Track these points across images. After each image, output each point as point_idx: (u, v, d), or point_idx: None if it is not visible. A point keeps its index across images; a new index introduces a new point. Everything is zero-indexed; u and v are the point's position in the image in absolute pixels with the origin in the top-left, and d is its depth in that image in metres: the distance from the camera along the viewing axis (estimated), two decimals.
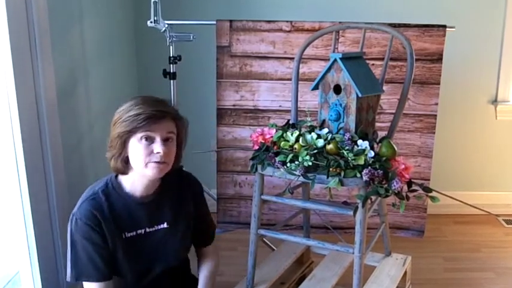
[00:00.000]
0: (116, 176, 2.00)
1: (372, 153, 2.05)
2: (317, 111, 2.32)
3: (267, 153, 2.19)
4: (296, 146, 2.14)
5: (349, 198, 2.90)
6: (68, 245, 1.93)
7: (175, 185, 2.07)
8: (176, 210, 2.06)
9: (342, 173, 2.02)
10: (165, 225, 2.03)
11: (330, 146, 2.09)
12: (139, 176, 1.93)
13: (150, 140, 1.85)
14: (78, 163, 2.81)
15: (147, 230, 2.00)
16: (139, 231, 1.98)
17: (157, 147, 1.85)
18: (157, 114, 1.85)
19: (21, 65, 2.17)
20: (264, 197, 2.31)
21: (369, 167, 1.99)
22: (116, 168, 1.94)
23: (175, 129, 1.93)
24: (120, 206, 1.95)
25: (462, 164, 4.08)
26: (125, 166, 1.92)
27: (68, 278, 1.94)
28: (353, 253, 2.14)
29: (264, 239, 3.05)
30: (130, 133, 1.85)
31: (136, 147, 1.86)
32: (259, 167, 2.22)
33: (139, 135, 1.84)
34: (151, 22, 2.92)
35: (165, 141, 1.87)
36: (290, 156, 2.09)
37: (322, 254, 2.73)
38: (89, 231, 1.89)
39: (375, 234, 2.42)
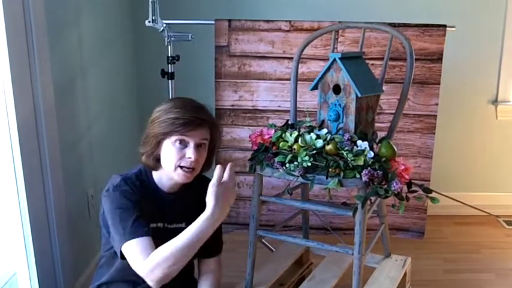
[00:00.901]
0: None
1: (372, 154, 2.05)
2: (316, 111, 2.32)
3: (265, 153, 2.19)
4: (295, 146, 2.14)
5: (349, 199, 2.90)
6: (112, 215, 1.90)
7: (199, 189, 2.09)
8: (197, 214, 2.07)
9: (341, 174, 2.02)
10: (184, 225, 2.04)
11: (329, 147, 2.09)
12: (166, 175, 1.99)
13: (183, 144, 1.91)
14: (76, 163, 2.81)
15: (166, 225, 2.04)
16: (159, 224, 2.01)
17: (190, 152, 1.91)
18: (196, 121, 1.90)
19: (18, 65, 2.17)
20: (262, 197, 2.31)
21: (369, 168, 1.99)
22: (146, 164, 2.00)
23: (210, 136, 1.98)
24: (150, 194, 2.00)
25: (462, 164, 4.08)
26: (155, 164, 1.99)
27: (120, 243, 1.86)
28: (352, 254, 2.14)
29: (263, 240, 3.05)
30: (166, 135, 1.91)
31: (169, 149, 1.92)
32: (258, 167, 2.22)
33: (174, 138, 1.90)
34: (149, 22, 2.92)
35: (198, 147, 1.93)
36: (289, 156, 2.09)
37: (322, 255, 2.73)
38: (132, 194, 1.92)
39: (374, 235, 2.42)
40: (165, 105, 1.96)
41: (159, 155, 1.96)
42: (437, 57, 3.01)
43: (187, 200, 2.06)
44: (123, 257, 1.89)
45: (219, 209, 1.80)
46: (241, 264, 2.52)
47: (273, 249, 3.08)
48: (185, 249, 1.78)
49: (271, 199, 2.33)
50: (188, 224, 2.03)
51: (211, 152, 2.05)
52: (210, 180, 2.14)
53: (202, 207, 2.07)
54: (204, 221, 1.79)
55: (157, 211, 2.00)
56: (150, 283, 1.80)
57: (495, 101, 3.95)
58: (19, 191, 2.24)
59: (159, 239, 1.97)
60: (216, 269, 2.19)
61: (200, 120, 1.91)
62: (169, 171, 1.95)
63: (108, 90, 3.30)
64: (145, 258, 1.80)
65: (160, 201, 2.02)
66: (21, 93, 2.19)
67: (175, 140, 1.90)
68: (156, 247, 1.87)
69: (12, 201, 2.26)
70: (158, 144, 1.94)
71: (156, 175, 2.03)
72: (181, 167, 1.93)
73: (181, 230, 2.02)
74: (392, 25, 2.74)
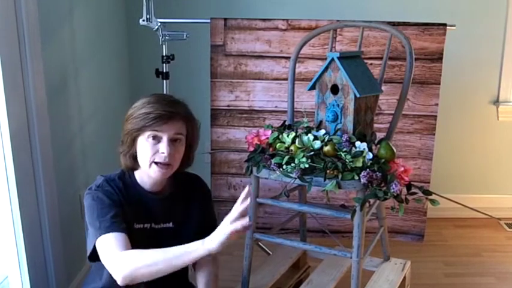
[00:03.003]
0: None
1: (370, 155, 2.05)
2: (314, 112, 2.32)
3: (262, 155, 2.19)
4: (292, 147, 2.14)
5: (347, 201, 2.91)
6: (90, 213, 1.91)
7: (186, 187, 2.12)
8: (184, 213, 2.09)
9: (340, 176, 2.02)
10: (171, 224, 2.05)
11: (327, 148, 2.10)
12: (146, 173, 1.99)
13: (157, 139, 1.91)
14: (69, 164, 2.82)
15: (153, 225, 2.03)
16: (145, 225, 2.02)
17: (163, 147, 1.90)
18: (167, 114, 1.89)
19: (10, 64, 2.17)
20: (259, 200, 2.32)
21: (367, 170, 1.99)
22: (125, 164, 2.00)
23: (185, 130, 1.97)
24: (134, 194, 2.00)
25: (463, 166, 4.10)
26: (133, 163, 1.99)
27: (94, 238, 1.86)
28: (351, 258, 2.14)
29: (260, 243, 3.06)
30: (139, 131, 1.91)
31: (143, 146, 1.92)
32: (254, 169, 2.22)
33: (147, 133, 1.90)
34: (143, 20, 2.92)
35: (173, 141, 1.92)
36: (286, 158, 2.09)
37: (319, 259, 2.73)
38: (114, 195, 1.94)
39: (373, 238, 2.43)
40: (139, 101, 1.96)
41: (136, 153, 1.96)
42: (437, 57, 3.02)
43: (173, 198, 2.07)
44: (91, 258, 1.91)
45: (221, 248, 1.75)
46: (237, 267, 2.52)
47: (270, 253, 3.09)
48: (165, 264, 1.77)
49: (267, 201, 2.34)
50: (175, 223, 2.05)
51: (190, 147, 2.03)
52: (194, 177, 2.17)
53: (188, 205, 2.08)
54: (198, 250, 1.76)
55: (142, 212, 2.01)
56: (117, 277, 1.78)
57: (496, 102, 3.97)
58: (11, 193, 2.24)
59: (147, 239, 2.00)
60: (212, 263, 2.17)
61: (172, 114, 1.90)
62: (145, 169, 1.95)
63: (101, 91, 3.31)
64: (120, 251, 1.80)
65: (145, 202, 2.01)
66: (12, 93, 2.19)
67: (148, 136, 1.90)
68: (143, 247, 1.88)
69: (4, 204, 2.25)
70: (133, 141, 1.94)
71: (137, 175, 2.02)
72: (156, 163, 1.92)
73: (168, 229, 2.04)
74: (392, 24, 2.75)
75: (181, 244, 2.04)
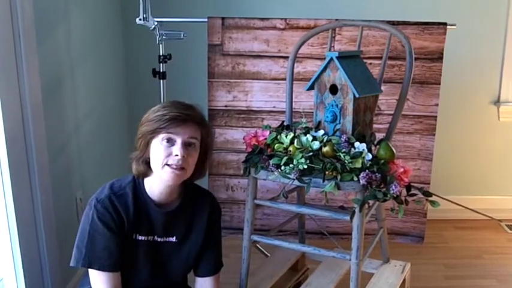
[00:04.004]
0: None
1: (370, 156, 2.06)
2: (312, 112, 2.32)
3: (260, 155, 2.20)
4: (291, 148, 2.14)
5: (346, 202, 2.91)
6: (81, 230, 1.94)
7: (195, 201, 2.10)
8: (188, 229, 2.07)
9: (339, 177, 2.03)
10: (174, 239, 2.05)
11: (326, 149, 2.10)
12: (157, 180, 1.97)
13: (171, 142, 1.89)
14: (64, 165, 2.81)
15: (156, 238, 2.03)
16: (148, 237, 2.01)
17: (177, 149, 1.88)
18: (181, 116, 1.89)
19: (5, 64, 2.17)
20: (257, 201, 2.32)
21: (367, 170, 1.99)
22: (137, 170, 1.98)
23: (199, 135, 1.96)
24: (142, 206, 1.99)
25: (463, 167, 4.10)
26: (146, 168, 1.97)
27: (76, 264, 1.93)
28: (350, 260, 2.15)
29: (258, 245, 3.06)
30: (153, 133, 1.90)
31: (156, 148, 1.90)
32: (252, 170, 2.23)
33: (161, 135, 1.89)
34: (140, 19, 2.92)
35: (187, 146, 1.91)
36: (284, 159, 2.10)
37: (318, 261, 2.74)
38: (110, 221, 1.92)
39: (372, 240, 2.43)
40: (155, 106, 1.96)
41: (149, 158, 1.94)
42: (437, 56, 3.02)
43: (178, 213, 2.04)
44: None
45: None
46: (235, 270, 2.52)
47: (268, 255, 3.09)
48: None
49: (266, 203, 2.34)
50: (178, 238, 2.04)
51: (204, 155, 2.02)
52: (206, 193, 2.16)
53: (193, 221, 2.08)
54: None
55: (146, 224, 1.99)
56: None
57: (497, 102, 3.97)
58: (6, 194, 2.24)
59: (148, 251, 2.01)
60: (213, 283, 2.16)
61: (186, 116, 1.90)
62: (157, 171, 1.92)
63: (97, 91, 3.31)
64: None
65: (150, 214, 2.00)
66: (7, 93, 2.19)
67: (162, 138, 1.88)
68: (144, 259, 1.97)
69: None
70: (147, 145, 1.93)
71: (147, 184, 2.00)
72: (168, 165, 1.90)
73: (170, 243, 2.04)
74: (391, 23, 2.75)
75: (180, 259, 2.07)
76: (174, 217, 2.04)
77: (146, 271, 2.03)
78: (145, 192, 2.00)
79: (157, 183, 1.97)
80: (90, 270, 1.94)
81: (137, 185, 2.00)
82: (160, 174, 1.92)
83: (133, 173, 2.01)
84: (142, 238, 1.99)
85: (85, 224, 1.94)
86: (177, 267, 2.09)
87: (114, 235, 1.93)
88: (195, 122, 1.93)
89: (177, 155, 1.88)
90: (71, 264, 1.94)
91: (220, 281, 2.19)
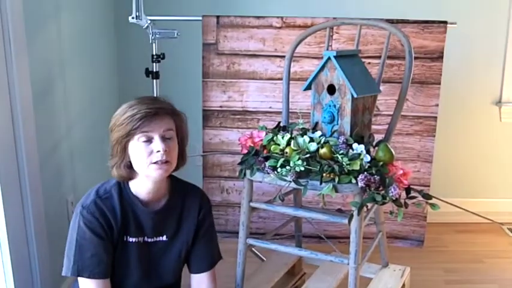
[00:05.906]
0: None
1: (368, 158, 2.06)
2: (309, 112, 2.33)
3: (256, 157, 2.20)
4: (287, 150, 2.15)
5: (344, 205, 2.92)
6: (70, 238, 1.95)
7: (183, 197, 2.11)
8: (178, 226, 2.08)
9: (336, 179, 2.03)
10: (164, 238, 2.05)
11: (323, 150, 2.10)
12: (143, 180, 1.97)
13: (148, 140, 1.89)
14: (55, 168, 2.81)
15: (146, 239, 2.03)
16: (139, 239, 2.02)
17: (157, 145, 1.88)
18: (152, 111, 1.89)
19: None
20: (253, 204, 2.32)
21: (365, 173, 2.00)
22: (120, 176, 1.98)
23: (174, 125, 1.96)
24: (129, 207, 1.99)
25: (464, 169, 4.10)
26: (129, 172, 1.97)
27: (66, 273, 1.94)
28: (348, 264, 2.15)
29: (253, 249, 3.06)
30: (128, 136, 1.89)
31: (136, 150, 1.90)
32: (248, 172, 2.23)
33: (137, 136, 1.89)
34: (133, 18, 2.93)
35: (165, 139, 1.91)
36: (281, 160, 2.10)
37: (315, 265, 2.73)
38: (98, 227, 1.93)
39: (371, 244, 2.43)
40: (119, 109, 1.95)
41: (130, 162, 1.94)
42: (437, 56, 3.03)
43: (167, 211, 2.05)
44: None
45: None
46: (230, 274, 2.52)
47: (264, 259, 3.09)
48: None
49: (261, 206, 2.34)
50: (168, 236, 2.05)
51: (181, 142, 2.02)
52: (194, 188, 2.17)
53: (182, 218, 2.08)
54: None
55: (135, 226, 2.00)
56: None
57: (499, 102, 3.98)
58: None
59: (139, 251, 2.02)
60: (210, 283, 2.17)
61: (156, 110, 1.90)
62: (143, 172, 1.93)
63: (89, 91, 3.30)
64: None
65: (138, 215, 2.01)
66: None
67: (139, 138, 1.88)
68: (135, 259, 1.98)
69: None
70: (124, 149, 1.92)
71: (133, 186, 2.00)
72: (154, 163, 1.90)
73: (161, 243, 2.04)
74: (390, 21, 2.76)
75: (171, 257, 2.08)
76: (163, 216, 2.04)
77: (138, 273, 2.04)
78: (132, 193, 2.00)
79: (144, 183, 1.98)
80: (79, 278, 1.94)
81: (122, 186, 2.01)
82: (147, 173, 1.92)
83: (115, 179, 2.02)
84: (133, 240, 2.00)
85: (72, 232, 1.94)
86: (169, 267, 2.10)
87: (102, 241, 1.93)
88: (166, 113, 1.94)
89: (159, 151, 1.88)
90: (63, 273, 1.95)
91: (216, 278, 2.20)
